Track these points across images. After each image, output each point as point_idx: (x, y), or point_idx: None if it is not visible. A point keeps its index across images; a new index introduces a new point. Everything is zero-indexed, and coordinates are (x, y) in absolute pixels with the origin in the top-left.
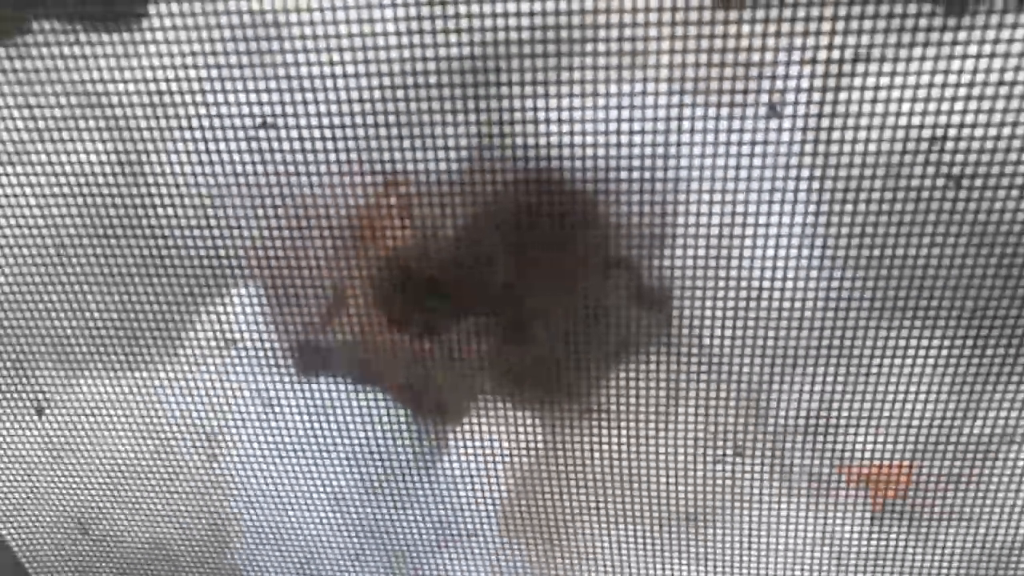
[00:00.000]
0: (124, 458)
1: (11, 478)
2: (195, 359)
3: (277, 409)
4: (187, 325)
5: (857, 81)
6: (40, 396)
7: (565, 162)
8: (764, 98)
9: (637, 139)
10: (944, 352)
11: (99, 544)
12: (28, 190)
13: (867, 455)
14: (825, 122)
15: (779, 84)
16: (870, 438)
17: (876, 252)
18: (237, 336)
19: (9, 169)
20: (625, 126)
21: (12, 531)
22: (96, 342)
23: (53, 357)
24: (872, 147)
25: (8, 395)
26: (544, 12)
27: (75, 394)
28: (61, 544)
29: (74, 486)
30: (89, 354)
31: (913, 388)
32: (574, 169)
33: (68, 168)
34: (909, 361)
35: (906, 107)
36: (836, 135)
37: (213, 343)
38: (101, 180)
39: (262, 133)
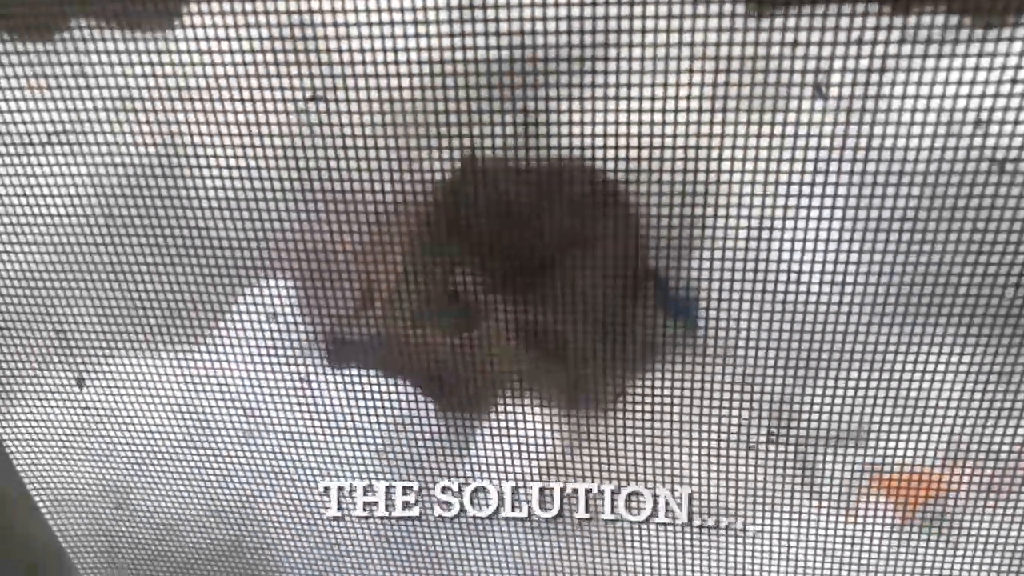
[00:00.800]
0: (161, 434)
1: (49, 448)
2: (234, 337)
3: (312, 389)
4: (227, 305)
5: (903, 63)
6: (81, 367)
7: (598, 161)
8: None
9: (680, 133)
10: (980, 352)
11: (132, 519)
12: (80, 170)
13: (898, 462)
14: (869, 104)
15: (824, 65)
16: (901, 444)
17: (917, 237)
18: (276, 311)
19: (59, 150)
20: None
21: (47, 501)
22: (139, 317)
23: (96, 329)
24: (916, 130)
25: (50, 364)
26: (583, 16)
27: (116, 368)
28: (95, 517)
29: (110, 459)
30: (131, 329)
31: (947, 391)
32: (608, 168)
33: (116, 151)
34: (944, 361)
35: (951, 90)
36: (880, 117)
37: (252, 322)
38: (150, 162)
39: (311, 106)
